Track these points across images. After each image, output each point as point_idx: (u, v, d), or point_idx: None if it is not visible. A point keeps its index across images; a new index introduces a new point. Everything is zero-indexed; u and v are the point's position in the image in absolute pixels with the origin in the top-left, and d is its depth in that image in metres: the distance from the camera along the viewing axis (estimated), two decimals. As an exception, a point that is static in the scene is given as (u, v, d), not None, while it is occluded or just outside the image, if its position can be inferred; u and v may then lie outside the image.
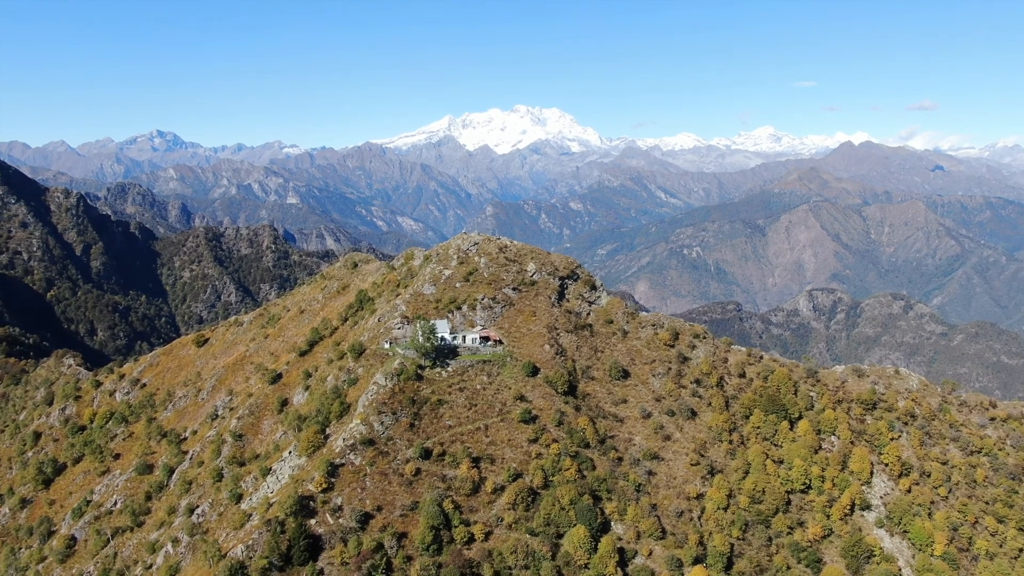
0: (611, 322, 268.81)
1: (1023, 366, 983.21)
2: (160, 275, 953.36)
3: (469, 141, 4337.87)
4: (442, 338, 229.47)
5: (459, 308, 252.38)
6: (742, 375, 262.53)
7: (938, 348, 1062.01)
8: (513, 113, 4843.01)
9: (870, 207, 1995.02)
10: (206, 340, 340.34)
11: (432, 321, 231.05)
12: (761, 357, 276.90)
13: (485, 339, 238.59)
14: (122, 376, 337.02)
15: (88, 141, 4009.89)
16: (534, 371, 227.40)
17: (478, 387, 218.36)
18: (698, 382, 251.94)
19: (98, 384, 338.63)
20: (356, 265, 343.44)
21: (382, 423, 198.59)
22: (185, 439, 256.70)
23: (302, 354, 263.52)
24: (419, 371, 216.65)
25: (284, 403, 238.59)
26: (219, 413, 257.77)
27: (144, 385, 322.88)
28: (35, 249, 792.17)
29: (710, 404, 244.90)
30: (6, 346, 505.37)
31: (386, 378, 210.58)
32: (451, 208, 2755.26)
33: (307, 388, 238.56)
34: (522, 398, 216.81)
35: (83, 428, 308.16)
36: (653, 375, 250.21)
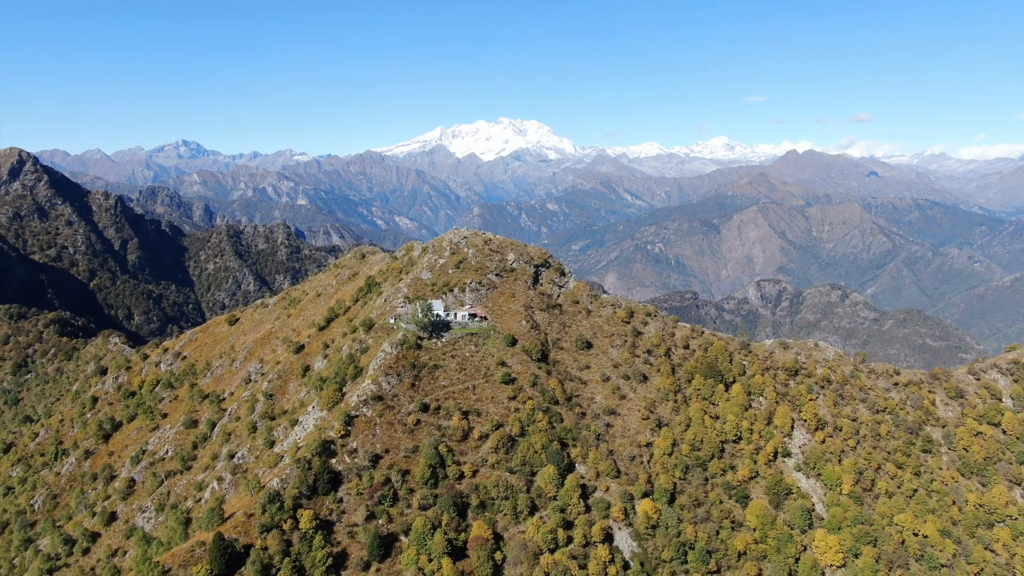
0: (577, 302, 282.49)
1: (944, 347, 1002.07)
2: (188, 267, 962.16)
3: (458, 149, 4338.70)
4: (437, 315, 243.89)
5: (451, 290, 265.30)
6: (686, 347, 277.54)
7: (871, 332, 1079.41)
8: (497, 124, 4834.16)
9: (812, 208, 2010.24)
10: (237, 319, 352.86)
11: (429, 301, 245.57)
12: (703, 332, 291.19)
13: (473, 316, 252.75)
14: (165, 350, 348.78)
15: (121, 149, 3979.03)
16: (513, 342, 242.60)
17: (467, 354, 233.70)
18: (649, 352, 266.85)
19: (145, 357, 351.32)
20: (364, 256, 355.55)
21: (388, 383, 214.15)
22: (224, 399, 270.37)
23: (321, 329, 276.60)
24: (419, 341, 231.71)
25: (307, 369, 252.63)
26: (252, 378, 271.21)
27: (185, 357, 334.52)
28: (79, 244, 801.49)
29: (659, 370, 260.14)
30: (59, 327, 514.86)
31: (392, 347, 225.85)
32: (442, 209, 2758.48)
33: (325, 356, 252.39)
34: (503, 364, 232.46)
35: (134, 393, 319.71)
36: (612, 346, 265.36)
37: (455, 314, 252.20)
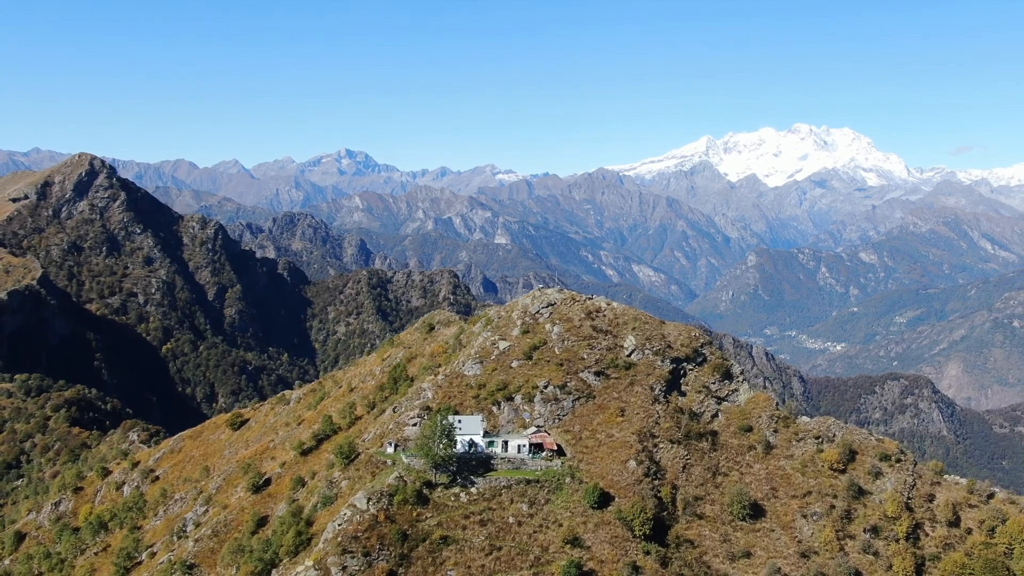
0: (749, 430, 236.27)
1: None
2: (309, 328, 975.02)
3: (731, 169, 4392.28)
4: (470, 442, 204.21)
5: (510, 399, 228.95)
6: (954, 523, 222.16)
7: None
8: (791, 134, 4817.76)
9: None
10: (244, 422, 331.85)
11: (457, 417, 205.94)
12: (991, 495, 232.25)
13: (537, 447, 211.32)
14: (135, 464, 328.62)
15: (264, 161, 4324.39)
16: (603, 499, 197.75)
17: (510, 520, 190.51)
18: (875, 530, 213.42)
19: (105, 473, 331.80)
20: (432, 328, 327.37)
21: (344, 569, 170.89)
22: (139, 563, 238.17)
23: (305, 452, 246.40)
24: (424, 490, 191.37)
25: (262, 522, 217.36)
26: (187, 530, 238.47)
27: (158, 478, 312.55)
28: (153, 291, 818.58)
29: (890, 568, 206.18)
30: (75, 411, 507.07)
31: (368, 499, 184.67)
32: (703, 255, 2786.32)
33: (293, 502, 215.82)
34: (575, 541, 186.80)
35: (77, 530, 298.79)
36: (804, 515, 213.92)
37: (505, 443, 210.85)
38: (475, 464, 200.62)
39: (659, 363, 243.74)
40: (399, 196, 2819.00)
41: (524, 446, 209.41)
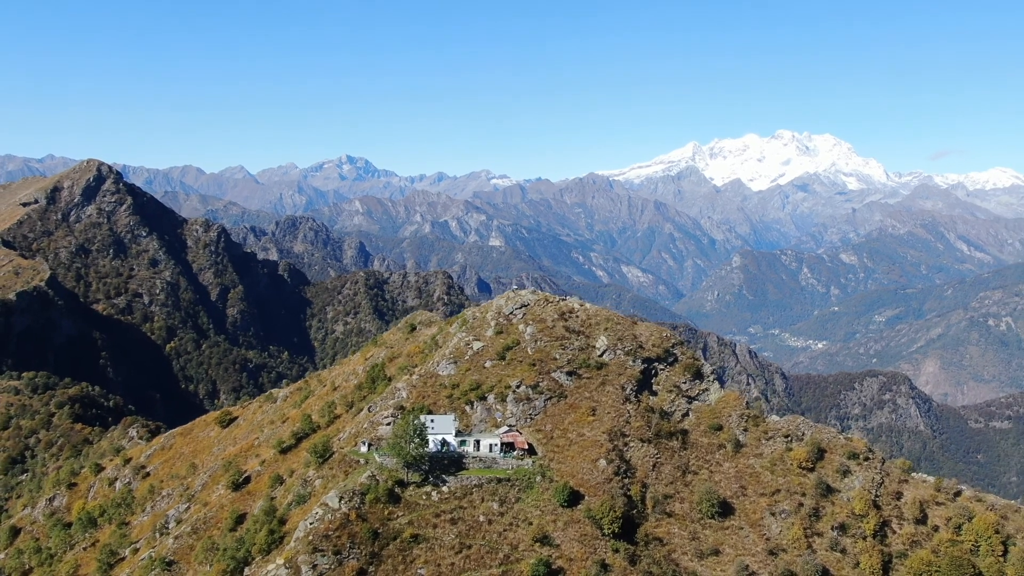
0: (719, 428, 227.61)
1: None
2: (308, 328, 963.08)
3: (717, 174, 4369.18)
4: (443, 441, 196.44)
5: (483, 398, 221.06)
6: (921, 521, 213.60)
7: None
8: (774, 140, 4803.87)
9: None
10: (232, 419, 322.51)
11: (430, 416, 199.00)
12: (958, 493, 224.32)
13: (509, 446, 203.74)
14: (128, 460, 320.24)
15: (269, 167, 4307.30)
16: (573, 498, 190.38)
17: (481, 518, 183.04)
18: (843, 528, 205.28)
19: (99, 469, 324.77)
20: (414, 329, 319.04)
21: (314, 568, 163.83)
22: (122, 559, 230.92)
23: (284, 450, 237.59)
24: (396, 489, 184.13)
25: (240, 519, 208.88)
26: (168, 527, 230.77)
27: (148, 474, 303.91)
28: (157, 292, 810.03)
29: (857, 565, 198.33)
30: (78, 408, 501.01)
31: (340, 498, 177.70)
32: (689, 257, 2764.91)
33: (271, 500, 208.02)
34: (544, 540, 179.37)
35: (69, 526, 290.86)
36: (773, 513, 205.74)
37: (477, 443, 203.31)
38: (447, 463, 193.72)
39: (630, 363, 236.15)
40: (397, 200, 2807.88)
41: (496, 445, 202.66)
